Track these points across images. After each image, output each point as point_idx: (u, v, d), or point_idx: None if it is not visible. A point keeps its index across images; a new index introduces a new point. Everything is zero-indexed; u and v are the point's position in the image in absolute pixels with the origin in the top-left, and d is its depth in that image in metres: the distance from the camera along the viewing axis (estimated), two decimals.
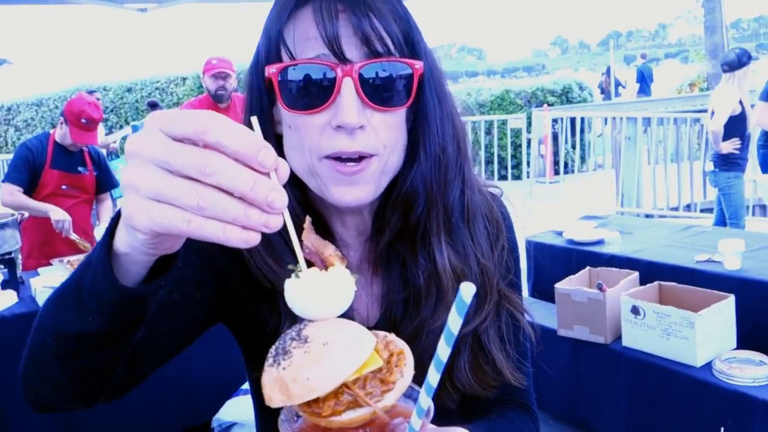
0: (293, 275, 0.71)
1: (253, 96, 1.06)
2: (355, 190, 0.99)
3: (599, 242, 4.52)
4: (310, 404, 0.68)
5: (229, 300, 1.11)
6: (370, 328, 1.08)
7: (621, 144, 9.38)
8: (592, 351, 3.82)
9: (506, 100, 14.50)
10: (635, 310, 3.49)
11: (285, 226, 0.67)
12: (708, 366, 3.29)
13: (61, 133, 4.86)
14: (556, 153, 12.17)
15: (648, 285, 3.67)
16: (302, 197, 1.10)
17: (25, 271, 4.62)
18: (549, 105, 13.56)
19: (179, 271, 1.04)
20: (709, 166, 6.62)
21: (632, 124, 9.29)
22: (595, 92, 18.02)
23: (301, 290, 0.70)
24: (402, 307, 1.10)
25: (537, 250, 4.85)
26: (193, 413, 3.98)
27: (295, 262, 0.75)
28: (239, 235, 0.63)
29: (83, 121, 4.77)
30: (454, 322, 0.66)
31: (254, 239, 0.64)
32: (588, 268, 4.07)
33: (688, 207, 8.93)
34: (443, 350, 0.68)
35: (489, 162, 12.34)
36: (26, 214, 4.75)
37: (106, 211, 5.30)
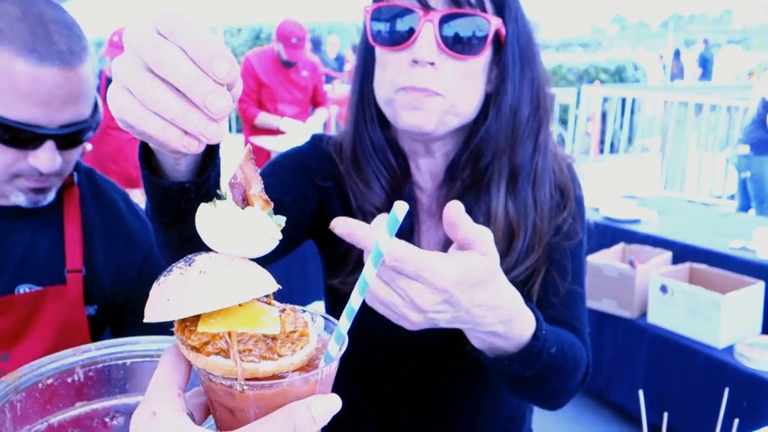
0: (211, 202, 0.65)
1: (361, 38, 1.24)
2: (418, 115, 1.10)
3: (635, 221, 4.55)
4: (186, 327, 0.62)
5: (322, 215, 1.26)
6: None
7: (670, 128, 9.26)
8: (617, 324, 3.89)
9: (557, 75, 14.31)
10: (664, 289, 3.54)
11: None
12: (730, 349, 3.35)
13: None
14: (603, 132, 12.02)
15: (679, 265, 3.72)
16: (392, 141, 1.24)
17: None
18: (601, 82, 13.36)
19: (293, 180, 1.23)
20: (744, 149, 6.41)
21: (683, 108, 9.15)
22: (649, 73, 17.60)
23: (210, 218, 0.63)
24: None
25: None
26: None
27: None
28: (180, 138, 0.61)
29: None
30: (384, 239, 0.63)
31: (193, 147, 0.62)
32: (622, 243, 4.12)
33: (732, 197, 8.80)
34: (369, 270, 0.65)
35: None
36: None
37: None
